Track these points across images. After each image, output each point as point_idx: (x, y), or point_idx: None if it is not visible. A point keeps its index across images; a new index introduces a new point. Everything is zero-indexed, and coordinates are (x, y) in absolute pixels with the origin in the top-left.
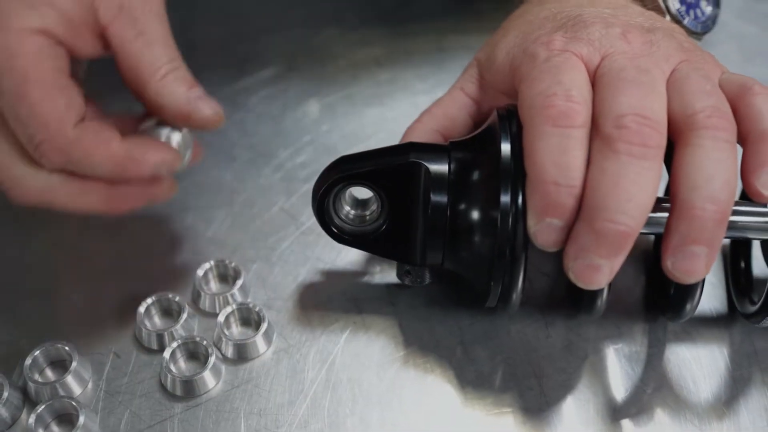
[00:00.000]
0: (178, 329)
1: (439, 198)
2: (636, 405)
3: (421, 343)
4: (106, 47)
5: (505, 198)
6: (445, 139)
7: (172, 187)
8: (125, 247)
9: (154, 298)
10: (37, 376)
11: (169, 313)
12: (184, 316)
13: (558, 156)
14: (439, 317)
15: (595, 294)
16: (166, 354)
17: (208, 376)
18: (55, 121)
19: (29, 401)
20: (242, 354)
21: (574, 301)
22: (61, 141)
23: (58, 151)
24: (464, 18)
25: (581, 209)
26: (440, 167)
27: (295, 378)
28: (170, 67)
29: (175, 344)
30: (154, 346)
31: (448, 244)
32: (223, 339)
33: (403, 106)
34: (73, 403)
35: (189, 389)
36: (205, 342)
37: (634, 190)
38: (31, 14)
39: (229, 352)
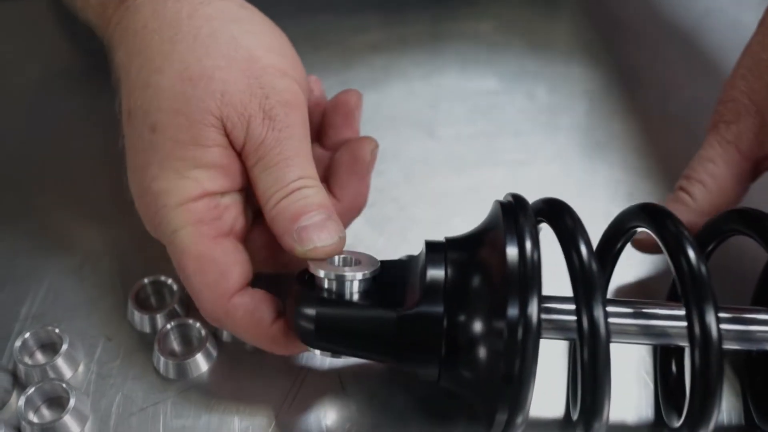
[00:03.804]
0: (172, 312)
1: (434, 308)
2: None
3: None
4: None
5: (513, 311)
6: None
7: None
8: (118, 231)
9: (147, 280)
10: (27, 359)
11: (162, 295)
12: (177, 298)
13: None
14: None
15: None
16: (159, 337)
17: (200, 358)
18: (206, 293)
19: (19, 385)
20: (236, 337)
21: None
22: (210, 312)
23: (209, 318)
24: (459, 4)
25: None
26: (435, 272)
27: (289, 358)
28: (284, 193)
29: (168, 326)
30: (147, 329)
31: (444, 360)
32: None
33: (399, 91)
34: (64, 386)
35: (182, 372)
36: (198, 324)
37: None
38: (183, 185)
39: (224, 334)
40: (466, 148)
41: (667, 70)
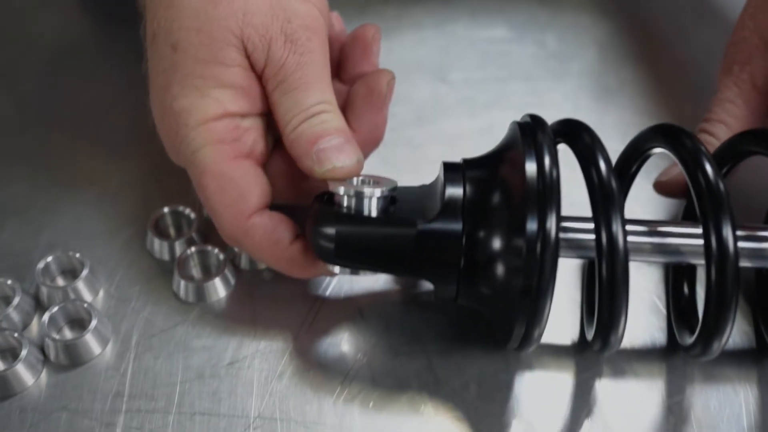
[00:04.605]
0: (190, 240)
1: (453, 225)
2: None
3: None
4: None
5: (533, 225)
6: None
7: None
8: (136, 165)
9: (166, 209)
10: (49, 282)
11: (180, 226)
12: (195, 227)
13: None
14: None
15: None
16: (179, 261)
17: (219, 283)
18: (225, 213)
19: (40, 308)
20: (254, 263)
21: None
22: (229, 232)
23: (228, 239)
24: None
25: None
26: (454, 190)
27: (306, 286)
28: (304, 116)
29: (188, 252)
30: (166, 257)
31: (463, 277)
32: (236, 249)
33: (410, 39)
34: (86, 306)
35: (201, 295)
36: (216, 250)
37: None
38: (204, 104)
39: (242, 261)
40: (477, 91)
41: (677, 18)
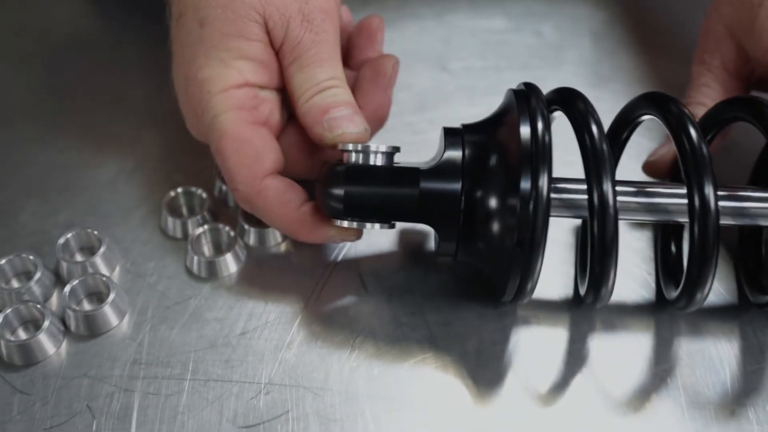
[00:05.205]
0: (202, 219)
1: (452, 186)
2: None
3: None
4: None
5: (526, 179)
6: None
7: (357, 235)
8: (149, 148)
9: (179, 190)
10: (68, 258)
11: (192, 207)
12: (207, 206)
13: None
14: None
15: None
16: (192, 239)
17: (230, 258)
18: (241, 173)
19: (60, 282)
20: (263, 241)
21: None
22: (243, 193)
23: (242, 200)
24: None
25: None
26: (453, 153)
27: (312, 259)
28: (317, 90)
29: (200, 230)
30: (179, 235)
31: (462, 234)
32: (245, 227)
33: (411, 30)
34: (104, 279)
35: (213, 271)
36: (227, 228)
37: None
38: (227, 73)
39: (251, 239)
40: (476, 80)
41: (670, 7)
